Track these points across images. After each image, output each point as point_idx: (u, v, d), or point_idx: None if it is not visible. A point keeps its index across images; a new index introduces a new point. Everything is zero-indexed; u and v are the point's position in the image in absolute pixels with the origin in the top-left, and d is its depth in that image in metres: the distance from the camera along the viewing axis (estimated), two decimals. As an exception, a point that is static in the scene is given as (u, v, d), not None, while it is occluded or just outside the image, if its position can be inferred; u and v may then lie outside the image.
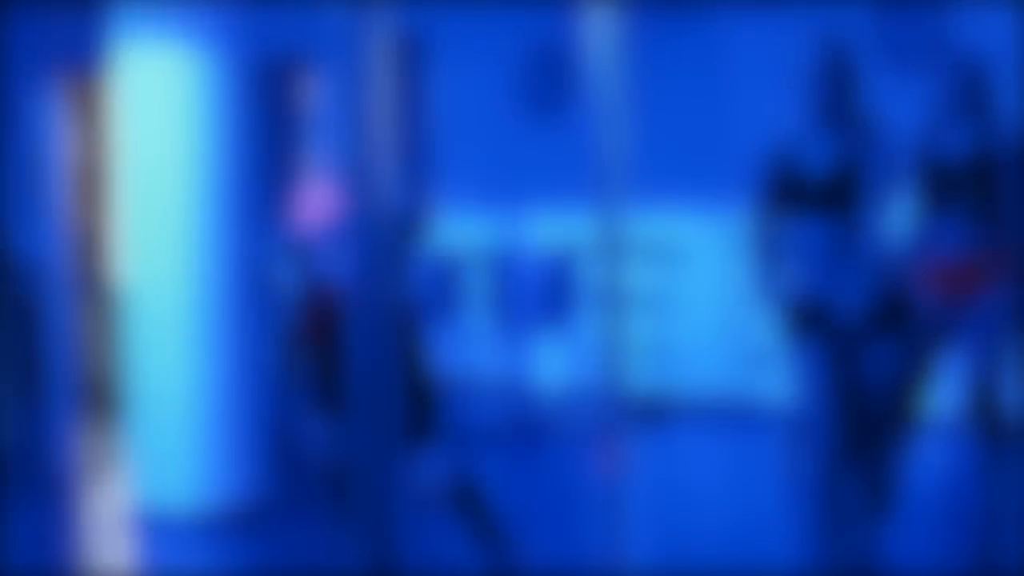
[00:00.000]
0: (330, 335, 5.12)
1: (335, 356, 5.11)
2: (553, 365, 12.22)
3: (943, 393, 6.46)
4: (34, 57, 8.30)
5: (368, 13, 1.56)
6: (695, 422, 10.31)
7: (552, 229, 12.19)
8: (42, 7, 13.14)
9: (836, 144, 5.38)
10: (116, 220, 7.56)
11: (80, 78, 8.79)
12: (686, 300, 11.04)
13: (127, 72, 7.23)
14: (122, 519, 7.25)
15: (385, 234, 1.57)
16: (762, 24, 10.67)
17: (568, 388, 11.92)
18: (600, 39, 4.98)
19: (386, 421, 1.69)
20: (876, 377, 5.30)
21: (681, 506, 7.40)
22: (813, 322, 5.37)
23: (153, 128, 7.11)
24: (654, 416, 10.51)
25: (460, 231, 12.81)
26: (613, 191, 5.08)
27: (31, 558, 6.56)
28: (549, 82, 12.29)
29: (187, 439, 7.11)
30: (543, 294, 12.01)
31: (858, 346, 5.33)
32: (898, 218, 5.57)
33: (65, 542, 7.01)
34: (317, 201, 5.26)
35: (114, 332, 8.18)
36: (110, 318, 8.82)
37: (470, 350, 12.75)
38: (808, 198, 5.38)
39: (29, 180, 15.60)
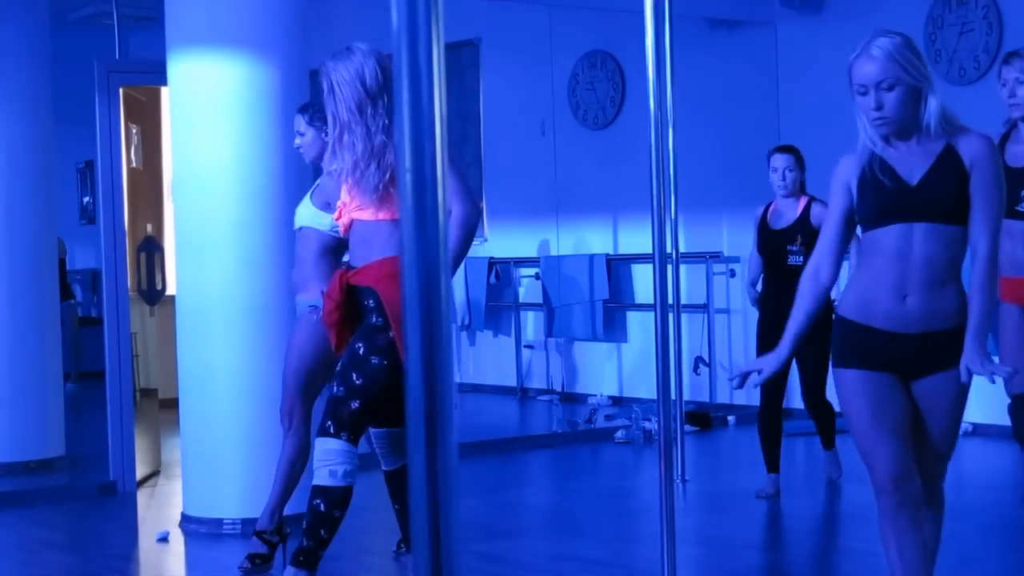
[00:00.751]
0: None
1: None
2: (604, 372, 12.24)
3: None
4: (95, 65, 8.37)
5: (421, 16, 1.57)
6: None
7: (605, 237, 12.21)
8: (100, 15, 13.25)
9: None
10: (173, 228, 7.61)
11: (139, 86, 8.85)
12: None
13: (184, 79, 7.27)
14: (174, 527, 7.30)
15: (440, 243, 1.58)
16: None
17: (619, 394, 11.93)
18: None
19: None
20: None
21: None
22: None
23: (209, 135, 7.14)
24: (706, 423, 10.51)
25: (511, 236, 12.84)
26: (666, 200, 5.07)
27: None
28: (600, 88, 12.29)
29: (238, 448, 7.14)
30: (592, 301, 12.02)
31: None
32: None
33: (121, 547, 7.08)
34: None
35: (172, 340, 8.25)
36: (168, 326, 8.89)
37: (519, 355, 12.79)
38: None
39: (92, 188, 15.72)
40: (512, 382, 12.74)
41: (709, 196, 11.06)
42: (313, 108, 6.26)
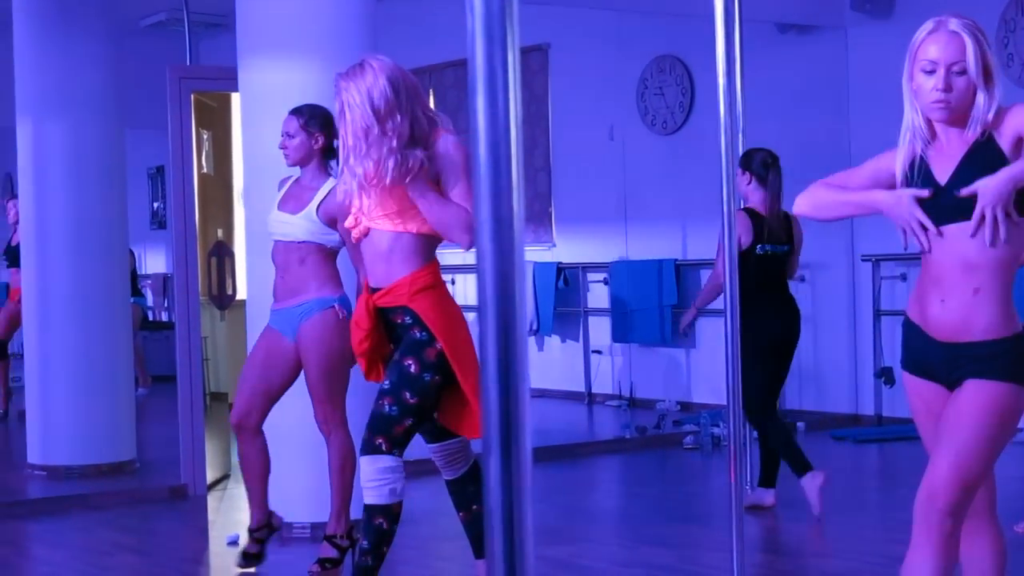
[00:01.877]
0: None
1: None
2: (672, 377, 12.20)
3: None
4: (167, 72, 8.43)
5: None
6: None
7: (673, 242, 12.17)
8: (171, 22, 13.37)
9: None
10: (244, 233, 7.66)
11: (210, 92, 8.92)
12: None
13: (255, 85, 7.32)
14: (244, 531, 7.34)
15: (515, 249, 1.58)
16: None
17: (688, 400, 11.89)
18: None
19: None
20: None
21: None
22: None
23: (278, 137, 7.17)
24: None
25: (579, 241, 12.83)
26: (736, 205, 5.06)
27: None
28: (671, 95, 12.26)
29: (305, 451, 7.16)
30: (661, 306, 11.99)
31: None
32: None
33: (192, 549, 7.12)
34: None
35: (241, 344, 8.30)
36: (238, 330, 8.94)
37: (587, 360, 12.78)
38: None
39: (163, 193, 15.86)
40: (580, 387, 12.73)
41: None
42: (309, 112, 6.26)
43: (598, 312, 12.73)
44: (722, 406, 10.93)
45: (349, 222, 5.15)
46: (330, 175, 6.19)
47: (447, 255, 13.17)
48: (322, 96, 7.12)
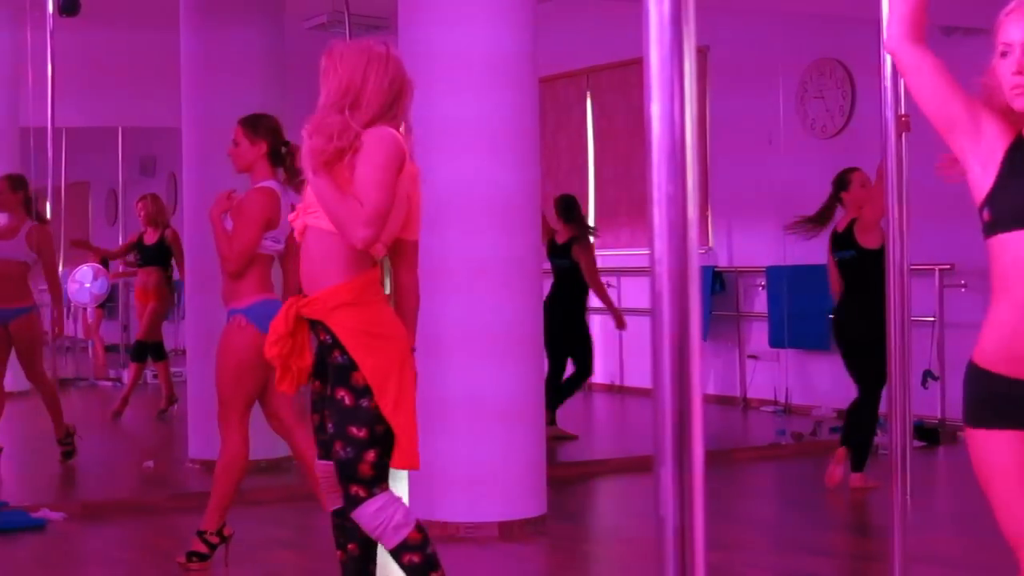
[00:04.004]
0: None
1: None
2: (829, 383, 12.06)
3: None
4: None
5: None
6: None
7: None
8: (333, 24, 13.50)
9: None
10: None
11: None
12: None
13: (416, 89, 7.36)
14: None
15: (690, 256, 1.57)
16: None
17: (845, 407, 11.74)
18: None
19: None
20: None
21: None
22: None
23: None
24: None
25: (736, 245, 12.73)
26: (901, 211, 4.97)
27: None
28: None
29: (459, 452, 7.19)
30: (819, 312, 11.86)
31: None
32: None
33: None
34: None
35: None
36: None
37: (742, 365, 12.68)
38: None
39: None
40: (735, 392, 12.63)
41: (942, 207, 10.82)
42: (253, 121, 6.50)
43: (754, 316, 12.62)
44: (881, 414, 10.80)
45: (292, 216, 4.72)
46: (273, 177, 6.46)
47: (607, 256, 13.16)
48: (482, 92, 7.16)
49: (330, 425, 4.50)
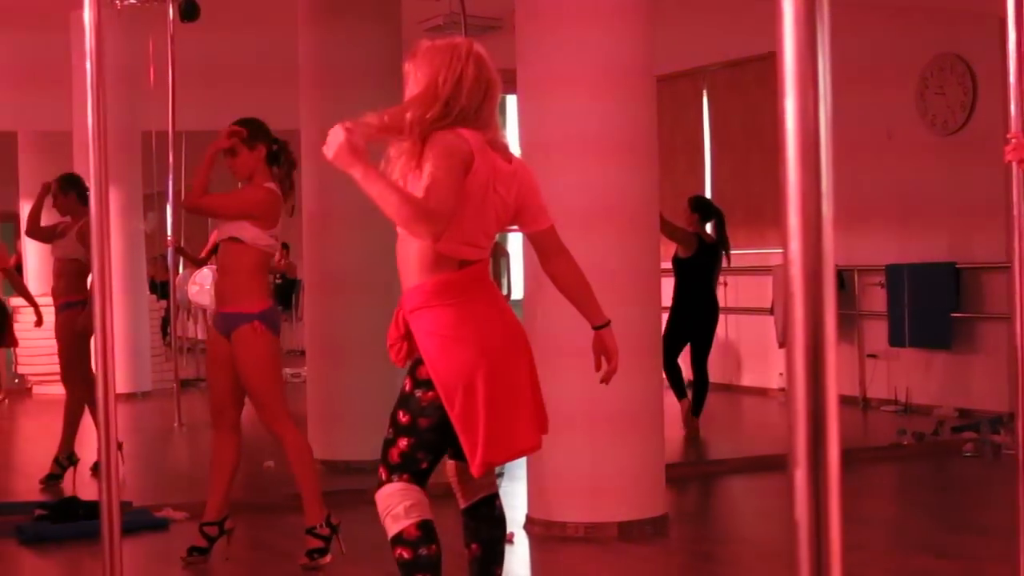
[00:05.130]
0: None
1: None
2: (951, 383, 11.90)
3: None
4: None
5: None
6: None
7: (952, 245, 11.87)
8: (449, 25, 13.55)
9: None
10: (517, 234, 7.70)
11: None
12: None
13: (532, 90, 7.35)
14: (519, 529, 7.40)
15: (825, 255, 1.55)
16: None
17: (967, 407, 11.58)
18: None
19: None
20: None
21: None
22: None
23: (557, 137, 7.21)
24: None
25: (854, 243, 12.60)
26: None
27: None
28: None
29: (581, 453, 7.18)
30: (938, 310, 11.71)
31: None
32: None
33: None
34: None
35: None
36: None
37: (862, 364, 12.55)
38: None
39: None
40: (855, 391, 12.50)
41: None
42: (254, 128, 6.59)
43: (874, 315, 12.49)
44: (1002, 413, 10.65)
45: None
46: (272, 178, 6.65)
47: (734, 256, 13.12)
48: (600, 94, 7.15)
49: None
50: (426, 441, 4.43)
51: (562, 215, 7.00)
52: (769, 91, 12.98)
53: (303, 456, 6.74)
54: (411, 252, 4.42)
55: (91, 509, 7.28)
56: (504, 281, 8.66)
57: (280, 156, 6.70)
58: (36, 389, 14.89)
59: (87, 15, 3.76)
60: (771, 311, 12.71)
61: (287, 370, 12.98)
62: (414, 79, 4.47)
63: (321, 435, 9.31)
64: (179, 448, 11.12)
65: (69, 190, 9.22)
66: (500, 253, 8.68)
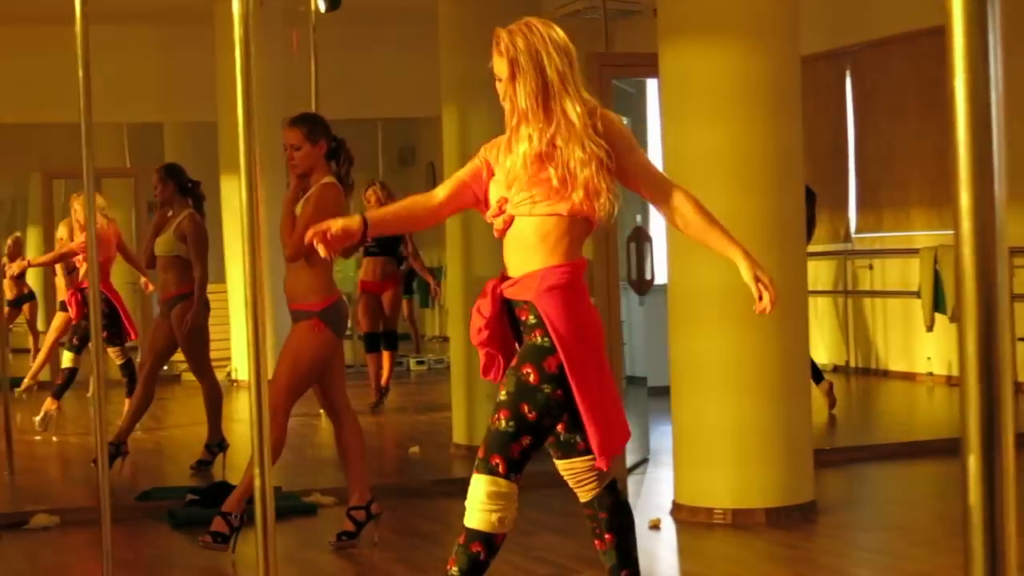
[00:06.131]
0: None
1: None
2: None
3: None
4: (587, 59, 8.54)
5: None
6: None
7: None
8: (586, 10, 13.53)
9: None
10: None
11: (626, 78, 8.98)
12: None
13: (676, 70, 7.33)
14: (665, 515, 7.37)
15: (996, 238, 1.52)
16: None
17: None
18: None
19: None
20: None
21: None
22: None
23: (701, 127, 7.18)
24: None
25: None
26: None
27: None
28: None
29: (729, 438, 7.14)
30: None
31: None
32: None
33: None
34: None
35: (659, 328, 8.34)
36: (655, 315, 8.99)
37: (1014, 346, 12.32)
38: None
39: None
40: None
41: None
42: (310, 122, 6.56)
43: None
44: None
45: (493, 211, 4.45)
46: (331, 173, 6.66)
47: (869, 237, 12.91)
48: (743, 79, 7.09)
49: (501, 392, 4.35)
50: (541, 441, 4.38)
51: (706, 196, 6.98)
52: (913, 69, 12.77)
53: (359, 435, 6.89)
54: (548, 231, 4.32)
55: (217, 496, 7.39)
56: (648, 266, 8.61)
57: (339, 152, 6.70)
58: (185, 376, 15.14)
59: (235, 6, 3.81)
60: (918, 294, 12.53)
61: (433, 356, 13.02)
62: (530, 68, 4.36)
63: (464, 420, 9.37)
64: (326, 434, 11.24)
65: (168, 180, 9.18)
66: (644, 238, 8.63)
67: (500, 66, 4.39)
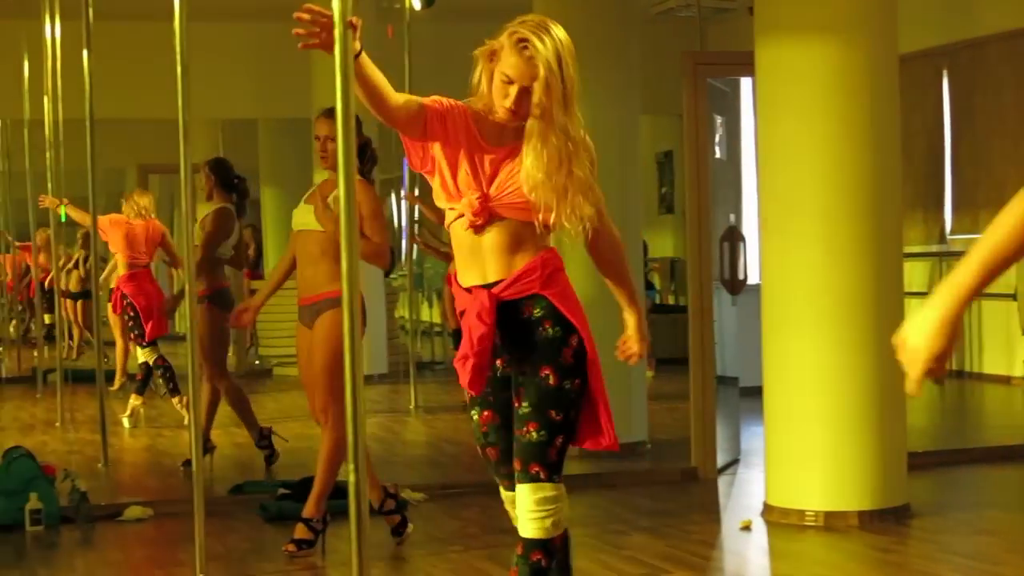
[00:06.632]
0: None
1: None
2: None
3: None
4: (682, 58, 8.51)
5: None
6: None
7: None
8: (680, 8, 13.49)
9: None
10: (757, 218, 7.63)
11: (721, 77, 8.93)
12: None
13: (772, 68, 7.28)
14: (756, 516, 7.32)
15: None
16: None
17: None
18: None
19: None
20: None
21: None
22: None
23: (797, 125, 7.12)
24: None
25: None
26: None
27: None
28: None
29: (822, 440, 7.08)
30: None
31: None
32: None
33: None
34: None
35: (751, 328, 8.28)
36: (748, 315, 8.93)
37: None
38: None
39: (670, 178, 15.98)
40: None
41: None
42: None
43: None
44: None
45: (472, 204, 4.25)
46: (360, 173, 6.51)
47: (965, 239, 12.77)
48: (840, 76, 7.02)
49: (523, 403, 4.26)
50: (574, 433, 4.33)
51: (800, 194, 6.92)
52: (1012, 69, 12.60)
53: (340, 453, 6.60)
54: (531, 230, 4.24)
55: (336, 489, 7.42)
56: (741, 266, 8.56)
57: (365, 151, 6.68)
58: (276, 370, 15.25)
59: (336, 4, 3.82)
60: (1014, 296, 12.36)
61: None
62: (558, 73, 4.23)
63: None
64: (416, 430, 11.28)
65: (212, 175, 9.21)
66: (737, 238, 8.58)
67: (521, 69, 4.21)
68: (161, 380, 11.10)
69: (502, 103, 4.23)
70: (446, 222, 4.38)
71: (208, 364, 9.01)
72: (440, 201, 4.34)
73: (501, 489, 4.49)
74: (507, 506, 4.52)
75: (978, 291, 2.50)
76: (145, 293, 11.02)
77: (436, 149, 4.28)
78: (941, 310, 2.52)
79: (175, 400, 10.87)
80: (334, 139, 6.58)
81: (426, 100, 4.28)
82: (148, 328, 10.95)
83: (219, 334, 9.09)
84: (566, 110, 4.23)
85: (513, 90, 4.21)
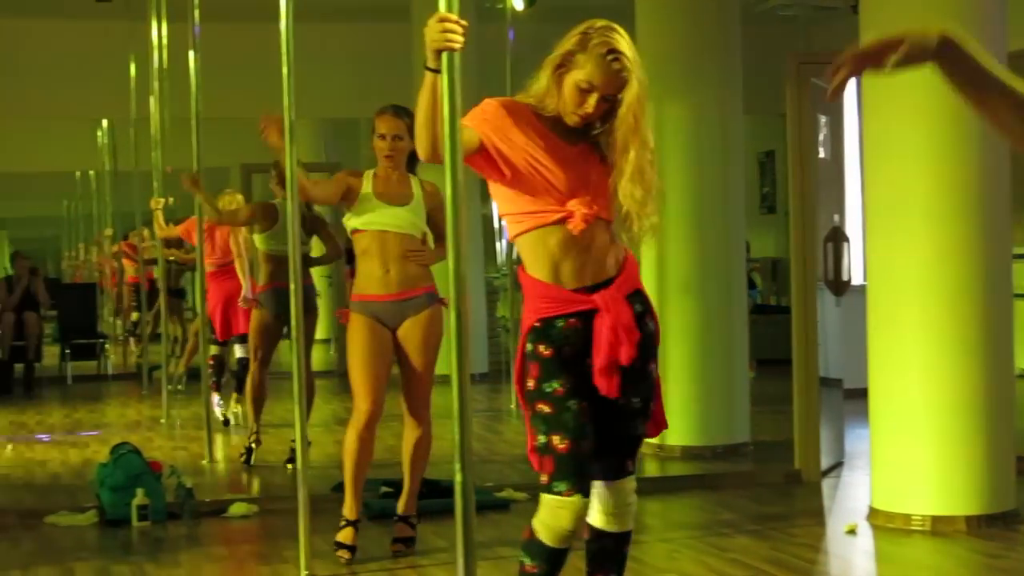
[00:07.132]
0: None
1: None
2: None
3: None
4: (787, 58, 8.45)
5: None
6: None
7: None
8: (783, 7, 13.39)
9: None
10: (862, 218, 7.56)
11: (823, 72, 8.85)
12: None
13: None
14: (861, 519, 7.25)
15: None
16: None
17: None
18: None
19: None
20: None
21: None
22: None
23: (903, 124, 7.05)
24: None
25: None
26: None
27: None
28: None
29: (930, 442, 7.00)
30: None
31: None
32: None
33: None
34: None
35: (855, 329, 8.19)
36: (851, 315, 8.84)
37: None
38: None
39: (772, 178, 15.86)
40: None
41: None
42: (412, 117, 6.27)
43: None
44: None
45: (589, 204, 4.16)
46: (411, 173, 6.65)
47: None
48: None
49: (632, 398, 4.21)
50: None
51: (905, 199, 6.84)
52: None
53: (428, 451, 6.71)
54: (607, 236, 4.22)
55: (433, 487, 7.43)
56: (845, 267, 8.48)
57: (414, 154, 6.67)
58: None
59: (441, 5, 3.83)
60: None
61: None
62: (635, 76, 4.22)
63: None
64: (517, 429, 11.28)
65: (274, 171, 9.29)
66: (841, 238, 8.51)
67: (606, 79, 4.15)
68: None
69: (577, 109, 4.17)
70: (524, 226, 4.24)
71: (252, 359, 9.35)
72: (520, 205, 4.23)
73: (561, 498, 4.19)
74: (566, 512, 4.22)
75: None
76: (224, 291, 11.16)
77: (517, 159, 4.19)
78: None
79: (215, 395, 11.11)
80: (401, 137, 6.60)
81: (476, 126, 4.21)
82: (217, 327, 11.13)
83: (263, 331, 9.23)
84: (646, 120, 4.21)
85: (593, 98, 4.16)
